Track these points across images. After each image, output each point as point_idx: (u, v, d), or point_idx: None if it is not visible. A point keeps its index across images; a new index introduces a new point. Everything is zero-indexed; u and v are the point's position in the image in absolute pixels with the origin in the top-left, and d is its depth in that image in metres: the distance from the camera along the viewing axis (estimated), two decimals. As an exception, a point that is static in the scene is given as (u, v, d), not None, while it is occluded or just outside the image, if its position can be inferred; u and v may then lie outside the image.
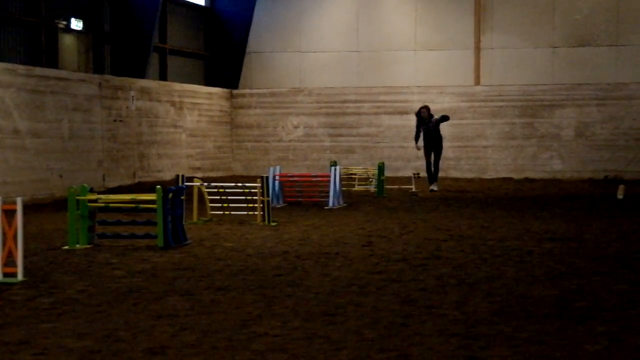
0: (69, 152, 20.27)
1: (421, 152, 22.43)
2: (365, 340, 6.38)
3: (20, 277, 8.89)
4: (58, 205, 17.75)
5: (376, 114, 28.52)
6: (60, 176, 19.73)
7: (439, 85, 28.26)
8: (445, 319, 7.11)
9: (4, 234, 8.91)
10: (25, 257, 9.07)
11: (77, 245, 11.45)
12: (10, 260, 8.94)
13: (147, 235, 11.69)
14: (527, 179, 26.72)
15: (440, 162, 22.45)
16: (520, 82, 27.82)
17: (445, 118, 22.15)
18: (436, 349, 6.14)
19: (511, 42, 28.16)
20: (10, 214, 8.97)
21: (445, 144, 28.14)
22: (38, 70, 19.69)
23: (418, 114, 22.02)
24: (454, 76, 28.48)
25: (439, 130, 21.96)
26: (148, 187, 19.72)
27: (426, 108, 22.07)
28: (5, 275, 8.89)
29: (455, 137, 27.91)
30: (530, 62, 28.02)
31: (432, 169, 22.00)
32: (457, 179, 26.81)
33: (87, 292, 8.35)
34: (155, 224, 11.52)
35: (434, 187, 21.81)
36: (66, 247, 11.45)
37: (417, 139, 22.01)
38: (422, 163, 27.56)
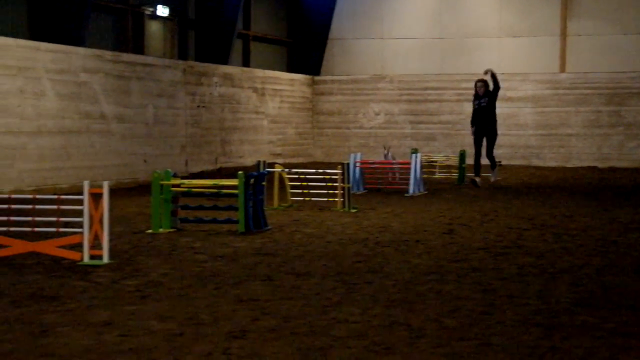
0: (153, 137, 20.57)
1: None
2: (446, 329, 6.34)
3: (105, 259, 9.07)
4: (142, 189, 18.04)
5: (458, 101, 28.28)
6: (145, 161, 20.04)
7: (522, 73, 27.90)
8: (527, 308, 7.03)
9: (91, 217, 9.09)
10: (110, 240, 9.24)
11: (161, 229, 11.62)
12: (96, 243, 9.12)
13: (228, 220, 11.80)
14: (612, 168, 26.24)
15: (495, 151, 19.72)
16: (607, 69, 27.28)
17: (497, 87, 19.09)
18: (517, 339, 6.08)
19: (598, 29, 27.63)
20: (97, 197, 9.15)
21: (526, 131, 27.86)
22: (125, 57, 20.01)
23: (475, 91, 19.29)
24: (539, 63, 28.07)
25: (493, 110, 19.11)
26: (229, 173, 19.91)
27: (483, 82, 19.12)
28: (91, 257, 9.08)
29: (539, 125, 27.53)
30: (617, 48, 27.45)
31: (483, 160, 19.33)
32: (539, 168, 26.46)
33: (170, 275, 8.47)
34: (236, 209, 11.62)
35: (493, 178, 19.74)
36: (150, 230, 11.63)
37: (474, 121, 19.31)
38: (504, 151, 27.38)
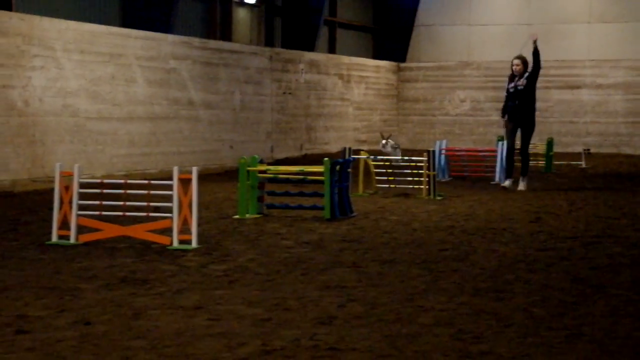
0: (239, 124, 20.76)
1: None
2: (534, 318, 6.28)
3: (194, 244, 9.20)
4: (228, 175, 18.23)
5: (546, 88, 27.84)
6: (231, 147, 20.25)
7: (613, 59, 27.35)
8: (618, 299, 6.92)
9: (180, 202, 9.23)
10: (198, 225, 9.37)
11: (247, 215, 11.74)
12: (185, 228, 9.26)
13: (314, 207, 11.85)
14: None
15: (531, 146, 16.31)
16: (701, 56, 26.58)
17: (537, 67, 15.57)
18: (608, 330, 5.99)
19: (692, 14, 26.92)
20: (185, 183, 9.29)
21: (616, 119, 27.25)
22: (212, 43, 20.23)
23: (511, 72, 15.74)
24: (630, 49, 27.48)
25: (532, 95, 15.58)
26: (314, 160, 19.99)
27: (521, 60, 15.60)
28: (180, 242, 9.22)
29: (630, 112, 26.97)
30: None
31: (516, 156, 15.89)
32: (629, 156, 25.93)
33: (257, 260, 8.55)
34: (322, 195, 11.67)
35: (522, 186, 15.71)
36: (236, 216, 11.75)
37: (505, 110, 15.79)
38: (593, 139, 26.91)
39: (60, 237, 9.37)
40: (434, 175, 14.50)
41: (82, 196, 9.48)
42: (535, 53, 15.53)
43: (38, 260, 8.41)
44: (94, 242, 9.35)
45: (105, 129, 16.69)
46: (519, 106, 15.55)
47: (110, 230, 9.43)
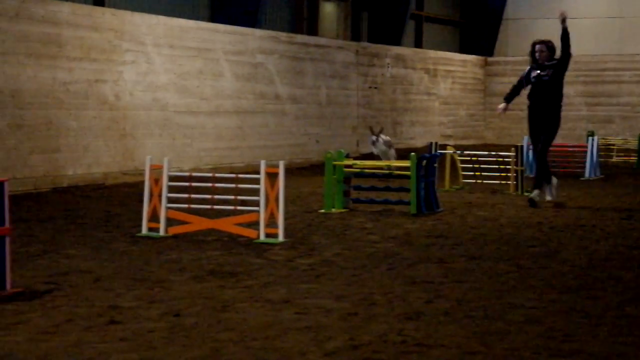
0: (325, 118, 20.81)
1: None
2: (627, 317, 6.15)
3: (280, 238, 9.25)
4: (314, 169, 18.28)
5: (638, 82, 27.27)
6: (317, 141, 20.30)
7: None
8: None
9: (267, 196, 9.29)
10: (285, 219, 9.42)
11: (333, 209, 11.75)
12: (271, 222, 9.32)
13: (400, 202, 11.81)
14: None
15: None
16: None
17: (567, 53, 12.39)
18: (703, 331, 5.83)
19: None
20: (272, 177, 9.34)
21: None
22: (299, 38, 20.31)
23: (532, 53, 12.67)
24: None
25: (559, 88, 12.48)
26: (400, 154, 19.92)
27: (545, 45, 12.47)
28: (267, 235, 9.28)
29: None
30: None
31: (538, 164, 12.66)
32: None
33: (343, 255, 8.56)
34: (408, 190, 11.62)
35: (535, 196, 12.55)
36: (322, 210, 11.77)
37: (509, 97, 12.91)
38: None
39: (150, 229, 9.52)
40: (521, 171, 14.32)
41: (171, 189, 9.62)
42: (564, 36, 12.40)
43: (129, 252, 8.56)
44: (183, 234, 9.47)
45: (193, 122, 16.89)
46: (542, 101, 12.38)
47: (199, 223, 9.54)
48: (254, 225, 9.36)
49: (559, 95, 12.53)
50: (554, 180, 12.69)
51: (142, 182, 9.79)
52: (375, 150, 15.32)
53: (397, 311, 6.26)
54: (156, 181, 9.60)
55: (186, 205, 9.56)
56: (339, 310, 6.25)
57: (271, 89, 19.03)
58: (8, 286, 6.65)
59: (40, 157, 13.79)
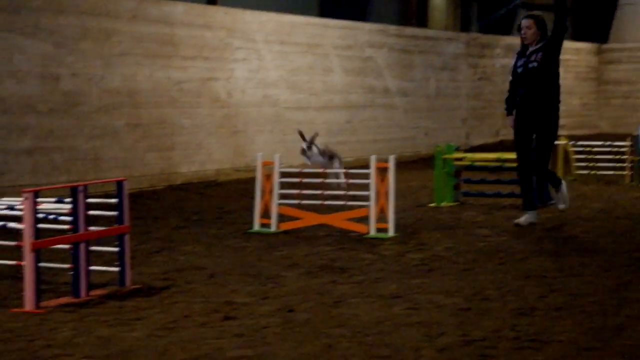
0: (434, 111, 20.71)
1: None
2: None
3: (391, 232, 9.27)
4: (423, 163, 18.21)
5: None
6: (426, 134, 20.22)
7: None
8: None
9: (377, 190, 9.32)
10: (395, 213, 9.43)
11: (443, 203, 11.70)
12: (382, 217, 9.35)
13: (511, 194, 11.67)
14: None
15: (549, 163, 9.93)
16: None
17: (561, 29, 9.62)
18: None
19: None
20: (382, 171, 9.37)
21: None
22: (408, 31, 20.26)
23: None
24: None
25: (553, 77, 9.68)
26: (511, 146, 19.65)
27: (534, 20, 9.69)
28: (377, 230, 9.32)
29: None
30: None
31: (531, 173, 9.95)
32: None
33: (454, 249, 8.52)
34: (520, 182, 11.46)
35: (525, 218, 9.90)
36: (432, 204, 11.74)
37: (511, 104, 9.91)
38: None
39: (262, 225, 9.66)
40: (638, 161, 14.00)
41: (282, 185, 9.74)
42: (560, 6, 9.89)
43: (242, 248, 8.71)
44: (294, 230, 9.58)
45: (303, 118, 17.03)
46: (531, 96, 9.65)
47: (309, 219, 9.64)
48: (365, 220, 9.40)
49: (553, 85, 9.66)
50: (563, 185, 10.06)
51: (254, 179, 9.94)
52: (307, 161, 11.39)
53: (510, 306, 6.21)
54: (267, 177, 9.74)
55: (297, 201, 9.67)
56: (451, 306, 6.24)
57: (380, 83, 19.03)
58: (128, 283, 6.86)
59: (155, 155, 14.13)
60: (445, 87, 21.12)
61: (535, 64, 9.60)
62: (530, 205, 9.93)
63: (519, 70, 9.75)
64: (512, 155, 11.69)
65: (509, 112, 9.94)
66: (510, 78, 9.97)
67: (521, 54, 9.79)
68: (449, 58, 21.29)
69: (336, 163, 11.31)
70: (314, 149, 11.28)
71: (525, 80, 9.69)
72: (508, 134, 23.24)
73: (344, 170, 10.46)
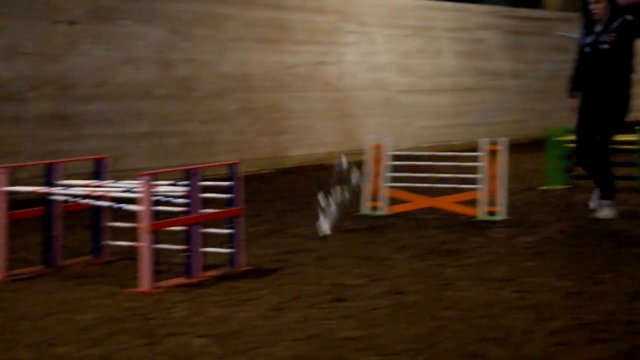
0: (547, 93, 20.37)
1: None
2: None
3: (501, 215, 9.20)
4: (534, 145, 17.94)
5: None
6: (538, 117, 19.92)
7: None
8: None
9: (487, 173, 9.25)
10: (505, 196, 9.34)
11: (554, 186, 11.54)
12: (492, 200, 9.28)
13: (626, 177, 11.41)
14: None
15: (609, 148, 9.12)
16: None
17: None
18: None
19: None
20: (492, 154, 9.29)
21: None
22: (520, 12, 19.99)
23: (584, 8, 8.90)
24: None
25: (626, 57, 8.74)
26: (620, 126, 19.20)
27: None
28: (487, 213, 9.25)
29: None
30: None
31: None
32: None
33: (566, 232, 8.41)
34: (635, 165, 11.22)
35: (604, 212, 9.04)
36: (543, 187, 11.58)
37: (576, 82, 9.15)
38: None
39: (371, 208, 9.71)
40: None
41: (391, 168, 9.76)
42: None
43: (351, 230, 8.77)
44: (403, 213, 9.59)
45: (412, 101, 16.99)
46: (599, 80, 8.79)
47: (418, 202, 9.64)
48: (474, 203, 9.35)
49: (626, 68, 8.72)
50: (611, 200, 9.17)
51: (363, 162, 9.98)
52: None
53: (625, 290, 6.11)
54: (377, 160, 9.77)
55: (406, 184, 9.67)
56: (563, 289, 6.17)
57: (491, 65, 18.83)
58: (240, 264, 7.00)
59: (266, 139, 14.32)
60: (558, 69, 20.75)
61: (606, 45, 8.64)
62: (608, 192, 9.07)
63: (587, 50, 8.82)
64: (628, 137, 11.44)
65: (571, 93, 9.10)
66: (576, 58, 9.05)
67: (588, 29, 8.79)
68: (563, 39, 20.90)
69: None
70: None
71: (594, 62, 8.80)
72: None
73: None
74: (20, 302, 6.03)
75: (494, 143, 9.40)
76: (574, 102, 9.03)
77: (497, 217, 9.17)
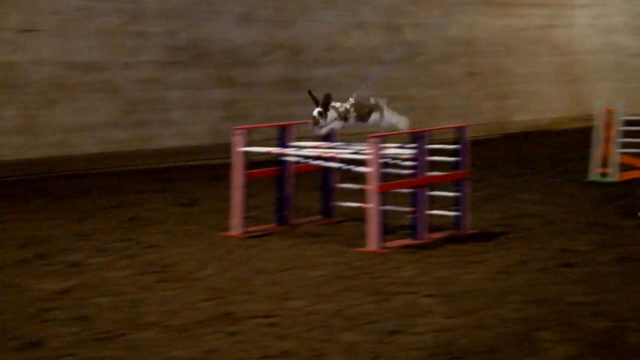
0: None
1: None
2: None
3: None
4: None
5: None
6: None
7: None
8: None
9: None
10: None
11: None
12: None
13: None
14: None
15: None
16: None
17: None
18: None
19: None
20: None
21: None
22: None
23: None
24: None
25: None
26: None
27: None
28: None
29: None
30: None
31: None
32: None
33: None
34: None
35: None
36: None
37: None
38: None
39: (601, 174, 9.47)
40: None
41: (624, 134, 9.48)
42: None
43: (578, 196, 8.61)
44: (635, 179, 9.30)
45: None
46: None
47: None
48: None
49: None
50: None
51: (591, 128, 9.74)
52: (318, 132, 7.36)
53: None
54: (608, 126, 9.51)
55: (639, 150, 9.38)
56: None
57: None
58: (465, 227, 7.04)
59: (491, 103, 14.19)
60: None
61: None
62: None
63: None
64: None
65: None
66: None
67: None
68: None
69: (376, 115, 7.57)
70: (332, 112, 7.37)
71: None
72: None
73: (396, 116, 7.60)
74: (255, 258, 6.34)
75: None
76: None
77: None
